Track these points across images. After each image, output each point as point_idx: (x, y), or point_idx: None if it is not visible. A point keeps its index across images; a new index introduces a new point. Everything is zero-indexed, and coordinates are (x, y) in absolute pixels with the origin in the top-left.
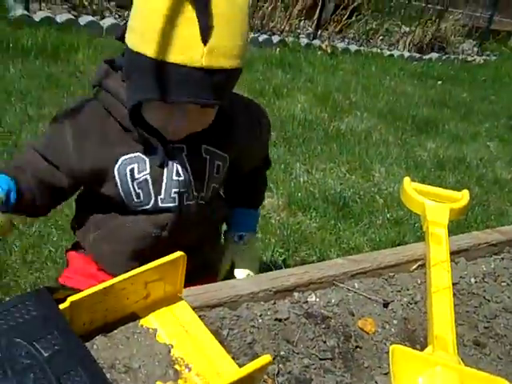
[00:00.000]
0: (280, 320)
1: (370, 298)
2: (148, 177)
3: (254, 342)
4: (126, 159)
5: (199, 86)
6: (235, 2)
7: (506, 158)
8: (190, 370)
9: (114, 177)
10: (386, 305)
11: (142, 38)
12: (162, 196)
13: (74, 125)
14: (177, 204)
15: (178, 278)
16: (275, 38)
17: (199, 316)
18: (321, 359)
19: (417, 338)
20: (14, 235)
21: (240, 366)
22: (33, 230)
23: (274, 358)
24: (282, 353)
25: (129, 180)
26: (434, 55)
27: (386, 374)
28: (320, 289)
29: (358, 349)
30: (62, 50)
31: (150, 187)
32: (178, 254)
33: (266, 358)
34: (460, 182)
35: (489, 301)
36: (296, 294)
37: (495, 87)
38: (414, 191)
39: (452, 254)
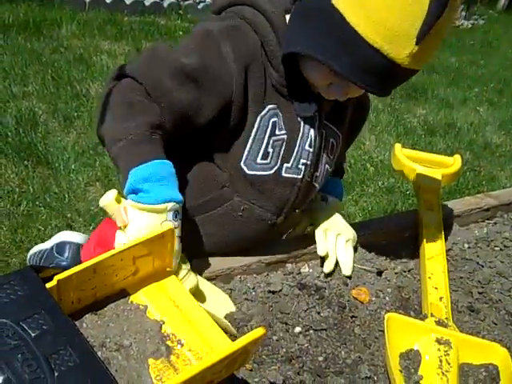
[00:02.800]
0: (273, 292)
1: (364, 268)
2: (285, 137)
3: (249, 315)
4: (272, 108)
5: (385, 78)
6: (451, 20)
7: (496, 123)
8: (182, 345)
9: (254, 124)
10: (379, 273)
11: (357, 4)
12: (288, 164)
13: (236, 48)
14: (300, 177)
15: (166, 252)
16: None
17: None
18: (315, 330)
19: (411, 306)
20: (2, 215)
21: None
22: (21, 209)
23: (269, 330)
24: (277, 325)
25: (267, 134)
26: None
27: (380, 342)
28: (313, 259)
29: (353, 318)
30: (44, 25)
31: (282, 150)
32: (167, 228)
33: (259, 331)
34: (450, 148)
35: (482, 266)
36: (289, 266)
37: (484, 51)
38: (405, 157)
39: (445, 220)
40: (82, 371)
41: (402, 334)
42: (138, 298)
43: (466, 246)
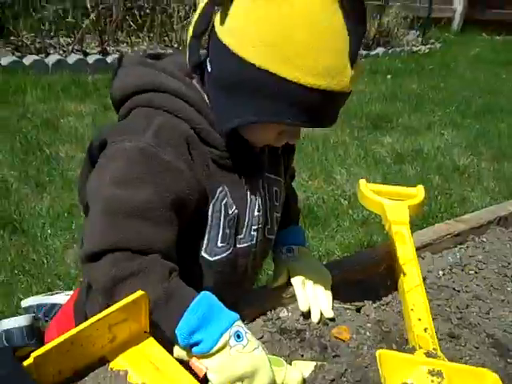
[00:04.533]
0: None
1: (343, 306)
2: (236, 212)
3: None
4: (220, 191)
5: (333, 109)
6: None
7: (462, 144)
8: None
9: (207, 213)
10: (358, 310)
11: (276, 54)
12: (241, 235)
13: (175, 150)
14: (254, 242)
15: (142, 315)
16: None
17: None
18: None
19: (392, 339)
20: None
21: None
22: (0, 280)
23: None
24: None
25: (221, 217)
26: (381, 50)
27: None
28: (291, 303)
29: (336, 357)
30: (9, 92)
31: (235, 226)
32: (139, 293)
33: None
34: (420, 174)
35: (459, 291)
36: (268, 312)
37: (443, 74)
38: (371, 192)
39: (417, 249)
40: None
41: (394, 368)
42: (117, 363)
43: (441, 272)
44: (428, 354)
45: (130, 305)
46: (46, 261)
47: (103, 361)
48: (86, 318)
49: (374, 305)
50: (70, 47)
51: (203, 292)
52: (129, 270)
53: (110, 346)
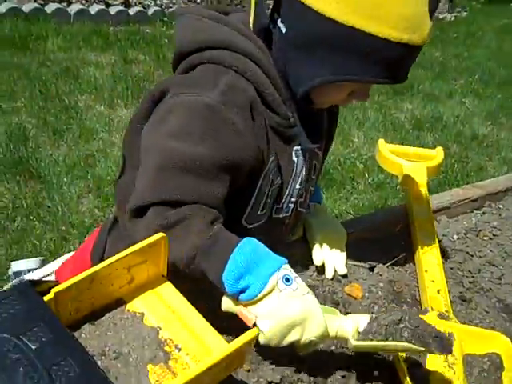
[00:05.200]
0: None
1: (356, 264)
2: (280, 182)
3: None
4: (273, 160)
5: (405, 64)
6: None
7: (482, 114)
8: (179, 350)
9: (258, 181)
10: (371, 269)
11: (360, 8)
12: (279, 205)
13: (242, 113)
14: (289, 214)
15: (160, 259)
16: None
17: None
18: None
19: (404, 299)
20: None
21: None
22: (15, 225)
23: None
24: None
25: (267, 187)
26: None
27: None
28: (305, 259)
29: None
30: (30, 40)
31: (276, 195)
32: (159, 235)
33: (253, 332)
34: (438, 141)
35: (472, 256)
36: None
37: (467, 43)
38: (389, 153)
39: (434, 212)
40: (83, 380)
41: None
42: (134, 306)
43: (456, 237)
44: (440, 316)
45: (149, 247)
46: (60, 208)
47: (120, 302)
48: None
49: (388, 264)
50: None
51: (247, 237)
52: (173, 219)
53: (127, 287)
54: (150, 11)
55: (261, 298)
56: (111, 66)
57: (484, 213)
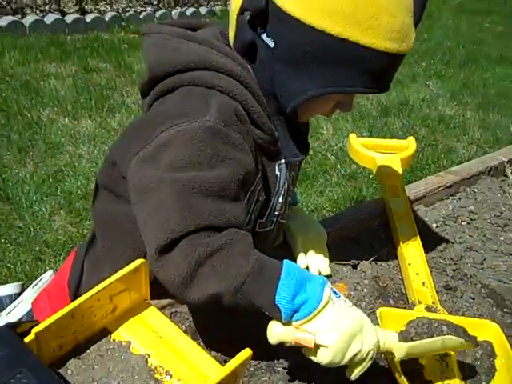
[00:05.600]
0: None
1: (339, 263)
2: (263, 198)
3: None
4: (258, 178)
5: (390, 73)
6: None
7: (447, 94)
8: (170, 376)
9: (245, 196)
10: (354, 266)
11: (354, 21)
12: (262, 220)
13: (240, 129)
14: (272, 227)
15: (142, 284)
16: (203, 10)
17: (171, 314)
18: None
19: (389, 294)
20: None
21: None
22: None
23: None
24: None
25: (252, 204)
26: None
27: None
28: None
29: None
30: None
31: (258, 211)
32: (139, 261)
33: (246, 353)
34: (406, 126)
35: (453, 243)
36: None
37: (426, 24)
38: (361, 147)
39: (410, 202)
40: None
41: (395, 326)
42: (119, 334)
43: (434, 225)
44: (428, 309)
45: (129, 274)
46: (32, 228)
47: (105, 332)
48: (78, 291)
49: (370, 260)
50: (47, 7)
51: (285, 260)
52: (214, 245)
53: (111, 316)
54: (107, 17)
55: (317, 313)
56: (72, 76)
57: (460, 198)
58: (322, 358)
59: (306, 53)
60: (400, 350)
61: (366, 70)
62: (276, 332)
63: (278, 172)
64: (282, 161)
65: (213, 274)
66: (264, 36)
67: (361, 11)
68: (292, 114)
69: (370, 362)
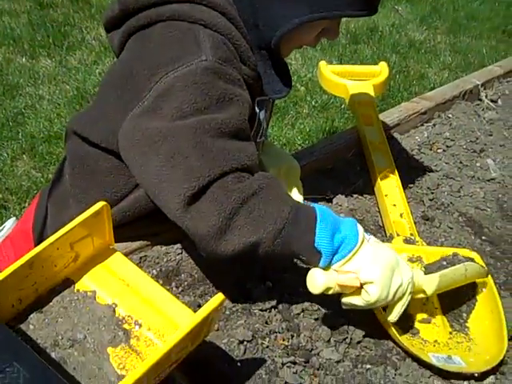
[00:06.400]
0: None
1: (314, 197)
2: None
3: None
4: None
5: None
6: None
7: (416, 19)
8: (140, 326)
9: None
10: (330, 200)
11: None
12: None
13: (235, 66)
14: None
15: (105, 229)
16: None
17: (139, 259)
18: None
19: (366, 227)
20: None
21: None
22: None
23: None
24: None
25: None
26: None
27: None
28: None
29: None
30: None
31: None
32: (100, 204)
33: (218, 298)
34: (376, 53)
35: (429, 171)
36: None
37: None
38: (332, 74)
39: (385, 130)
40: None
41: None
42: (83, 284)
43: (410, 153)
44: (406, 241)
45: (90, 219)
46: None
47: (68, 283)
48: (43, 236)
49: (346, 193)
50: None
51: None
52: (249, 190)
53: (73, 265)
54: None
55: (356, 251)
56: (27, 13)
57: (434, 124)
58: (370, 295)
59: None
60: (432, 281)
61: None
62: (319, 279)
63: (257, 110)
64: (262, 98)
65: (250, 221)
66: None
67: None
68: (276, 46)
69: (409, 298)
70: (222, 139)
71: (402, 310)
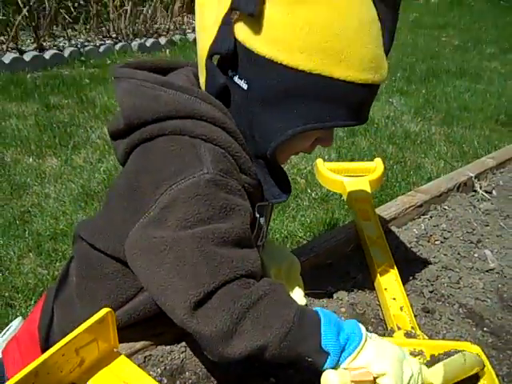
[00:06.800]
0: None
1: (314, 292)
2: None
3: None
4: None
5: (368, 104)
6: None
7: (411, 111)
8: None
9: None
10: (330, 295)
11: (326, 56)
12: None
13: (236, 176)
14: None
15: (110, 334)
16: (162, 40)
17: (144, 359)
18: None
19: (367, 320)
20: None
21: None
22: None
23: None
24: None
25: None
26: None
27: None
28: None
29: None
30: None
31: None
32: (105, 310)
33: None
34: (373, 145)
35: (428, 263)
36: None
37: None
38: (329, 171)
39: (382, 225)
40: None
41: None
42: None
43: (408, 246)
44: (407, 335)
45: (95, 324)
46: (0, 273)
47: None
48: (49, 336)
49: (346, 287)
50: (5, 46)
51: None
52: (255, 296)
53: (78, 370)
54: (66, 52)
55: (362, 347)
56: (34, 115)
57: (431, 217)
58: None
59: (281, 92)
60: (437, 372)
61: (343, 104)
62: (334, 380)
63: (257, 214)
64: (262, 203)
65: (257, 326)
66: (236, 78)
67: (331, 45)
68: (272, 155)
69: None
70: (226, 247)
71: None
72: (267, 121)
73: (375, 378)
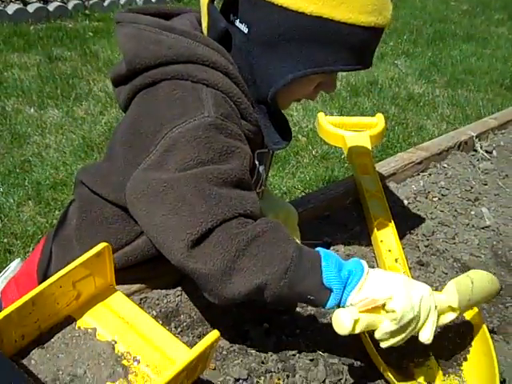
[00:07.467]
0: None
1: (312, 243)
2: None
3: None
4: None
5: (372, 47)
6: None
7: (415, 73)
8: (138, 362)
9: None
10: (328, 245)
11: (329, 0)
12: None
13: (235, 121)
14: None
15: (107, 269)
16: None
17: (140, 301)
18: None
19: None
20: None
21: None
22: None
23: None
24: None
25: None
26: None
27: None
28: None
29: None
30: None
31: None
32: (102, 245)
33: (214, 335)
34: (376, 106)
35: (424, 219)
36: None
37: (393, 3)
38: (330, 125)
39: (381, 179)
40: None
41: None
42: (84, 321)
43: (406, 201)
44: None
45: (93, 258)
46: (0, 220)
47: (69, 320)
48: (47, 277)
49: (343, 239)
50: None
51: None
52: (253, 233)
53: (75, 303)
54: (70, 5)
55: (365, 279)
56: (36, 66)
57: (430, 174)
58: (395, 309)
59: (282, 35)
60: (450, 291)
61: (344, 47)
62: (345, 316)
63: (256, 162)
64: (261, 150)
65: (255, 263)
66: (237, 22)
67: None
68: (273, 100)
69: (437, 314)
70: (225, 187)
71: (435, 327)
72: (267, 65)
73: (384, 306)
